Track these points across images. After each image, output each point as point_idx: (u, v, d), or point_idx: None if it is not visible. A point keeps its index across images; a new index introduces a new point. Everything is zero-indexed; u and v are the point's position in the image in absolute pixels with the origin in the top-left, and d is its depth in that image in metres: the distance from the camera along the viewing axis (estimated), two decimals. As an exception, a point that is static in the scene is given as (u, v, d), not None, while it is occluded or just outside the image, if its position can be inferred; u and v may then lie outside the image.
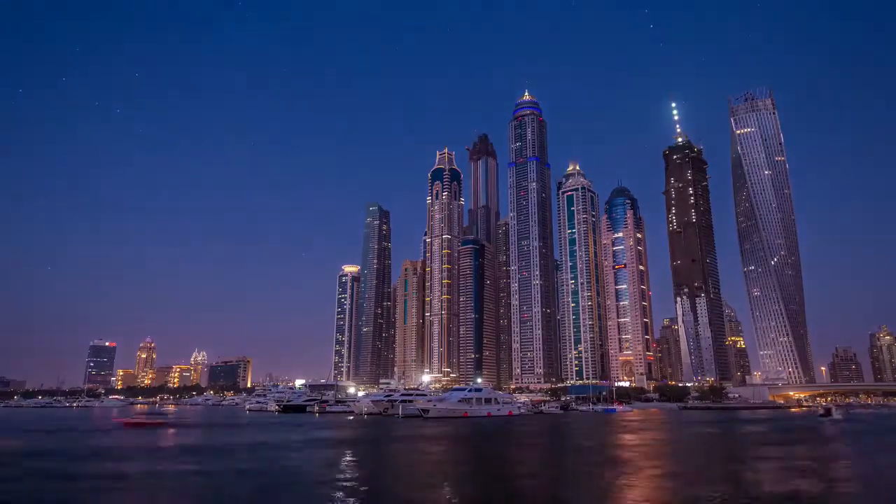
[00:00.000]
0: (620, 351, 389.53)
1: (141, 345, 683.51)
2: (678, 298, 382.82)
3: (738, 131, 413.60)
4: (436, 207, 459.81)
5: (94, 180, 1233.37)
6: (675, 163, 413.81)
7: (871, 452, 52.90)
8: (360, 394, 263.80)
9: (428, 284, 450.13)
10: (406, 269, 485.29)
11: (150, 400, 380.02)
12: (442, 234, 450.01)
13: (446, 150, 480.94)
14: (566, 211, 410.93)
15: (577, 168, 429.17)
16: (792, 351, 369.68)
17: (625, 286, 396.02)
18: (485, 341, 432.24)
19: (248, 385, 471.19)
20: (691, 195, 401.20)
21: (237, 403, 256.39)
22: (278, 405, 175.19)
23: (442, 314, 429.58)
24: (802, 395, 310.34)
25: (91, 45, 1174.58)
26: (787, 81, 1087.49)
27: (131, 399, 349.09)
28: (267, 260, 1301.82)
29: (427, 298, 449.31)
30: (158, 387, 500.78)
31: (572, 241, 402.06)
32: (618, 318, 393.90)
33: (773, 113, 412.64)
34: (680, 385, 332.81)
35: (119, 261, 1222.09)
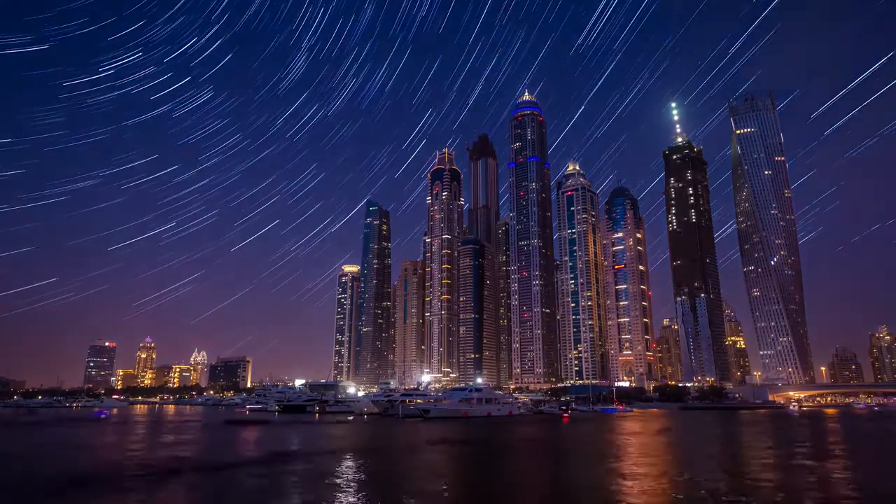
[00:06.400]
0: (620, 351, 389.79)
1: (141, 345, 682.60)
2: (678, 298, 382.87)
3: (738, 131, 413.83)
4: (436, 207, 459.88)
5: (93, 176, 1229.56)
6: (675, 163, 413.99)
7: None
8: (361, 394, 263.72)
9: (428, 284, 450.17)
10: (406, 269, 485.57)
11: (151, 400, 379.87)
12: (442, 235, 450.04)
13: (446, 150, 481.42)
14: (566, 211, 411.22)
15: (577, 168, 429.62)
16: (792, 351, 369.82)
17: (625, 286, 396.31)
18: (485, 341, 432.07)
19: (248, 385, 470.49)
20: (691, 195, 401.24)
21: (237, 403, 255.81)
22: (278, 405, 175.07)
23: (442, 314, 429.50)
24: (802, 395, 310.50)
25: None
26: (788, 80, 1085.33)
27: (131, 399, 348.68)
28: (267, 259, 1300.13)
29: (427, 298, 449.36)
30: (158, 387, 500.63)
31: (572, 242, 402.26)
32: (618, 318, 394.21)
33: (773, 113, 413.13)
34: (680, 385, 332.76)
35: (118, 259, 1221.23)
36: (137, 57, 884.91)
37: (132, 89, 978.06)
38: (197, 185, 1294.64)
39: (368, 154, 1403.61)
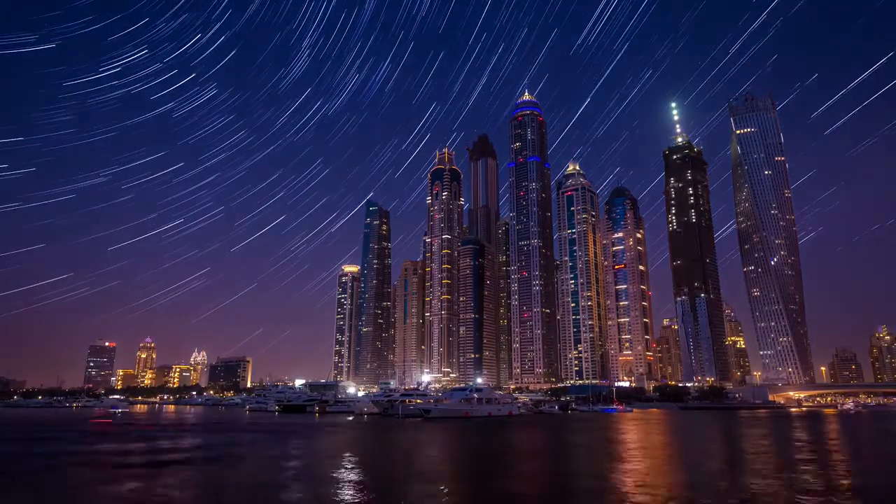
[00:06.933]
0: (620, 351, 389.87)
1: (141, 345, 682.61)
2: (678, 298, 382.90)
3: (738, 131, 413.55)
4: (436, 207, 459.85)
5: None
6: (675, 163, 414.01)
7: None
8: (361, 394, 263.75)
9: (428, 284, 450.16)
10: (406, 269, 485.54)
11: (150, 400, 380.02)
12: (442, 235, 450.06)
13: (446, 150, 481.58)
14: (566, 211, 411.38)
15: (577, 168, 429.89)
16: (792, 351, 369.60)
17: (625, 286, 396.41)
18: (485, 341, 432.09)
19: (248, 385, 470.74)
20: (691, 195, 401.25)
21: (237, 403, 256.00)
22: (278, 405, 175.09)
23: (442, 314, 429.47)
24: (802, 396, 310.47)
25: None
26: (788, 80, 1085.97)
27: (131, 399, 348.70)
28: (267, 259, 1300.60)
29: (427, 298, 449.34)
30: (158, 387, 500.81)
31: (572, 242, 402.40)
32: (618, 318, 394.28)
33: (773, 113, 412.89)
34: (680, 385, 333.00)
35: (120, 259, 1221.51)
36: (141, 55, 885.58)
37: (136, 88, 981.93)
38: (202, 183, 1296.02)
39: (370, 153, 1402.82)
